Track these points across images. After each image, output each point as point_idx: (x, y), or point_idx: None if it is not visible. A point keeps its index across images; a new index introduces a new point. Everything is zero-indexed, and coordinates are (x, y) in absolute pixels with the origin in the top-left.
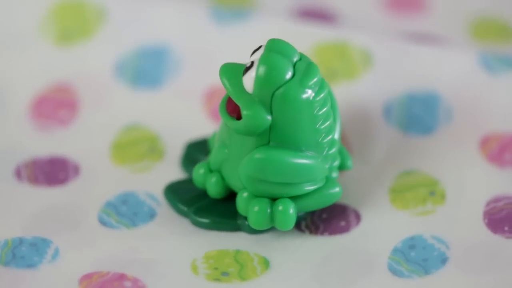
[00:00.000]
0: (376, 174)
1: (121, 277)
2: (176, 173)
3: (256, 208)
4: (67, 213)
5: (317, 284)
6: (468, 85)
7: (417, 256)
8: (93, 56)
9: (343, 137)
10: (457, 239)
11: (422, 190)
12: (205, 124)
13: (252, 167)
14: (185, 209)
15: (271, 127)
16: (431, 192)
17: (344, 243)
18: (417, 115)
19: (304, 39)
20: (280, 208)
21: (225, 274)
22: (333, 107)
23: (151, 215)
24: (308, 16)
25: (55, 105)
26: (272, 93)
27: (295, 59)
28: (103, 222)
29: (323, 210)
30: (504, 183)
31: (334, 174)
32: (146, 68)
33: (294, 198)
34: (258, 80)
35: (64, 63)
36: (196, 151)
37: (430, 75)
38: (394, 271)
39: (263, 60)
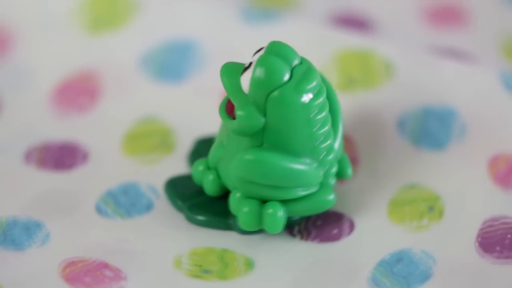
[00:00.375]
0: (380, 185)
1: (104, 266)
2: (182, 168)
3: (245, 209)
4: (66, 198)
5: None
6: (486, 103)
7: (402, 269)
8: (121, 46)
9: (350, 145)
10: (446, 256)
11: (421, 205)
12: (220, 122)
13: (242, 168)
14: (181, 204)
15: (264, 129)
16: (430, 207)
17: (332, 251)
18: (431, 129)
19: (329, 44)
20: (270, 211)
21: (206, 271)
22: (334, 113)
23: (148, 207)
24: (345, 22)
25: (77, 92)
26: (266, 95)
27: (294, 63)
28: (99, 211)
29: (318, 217)
30: (505, 204)
31: (332, 181)
32: (171, 62)
33: (285, 201)
34: (253, 81)
35: (92, 51)
36: (204, 148)
37: (450, 91)
38: (376, 283)
39: (260, 61)
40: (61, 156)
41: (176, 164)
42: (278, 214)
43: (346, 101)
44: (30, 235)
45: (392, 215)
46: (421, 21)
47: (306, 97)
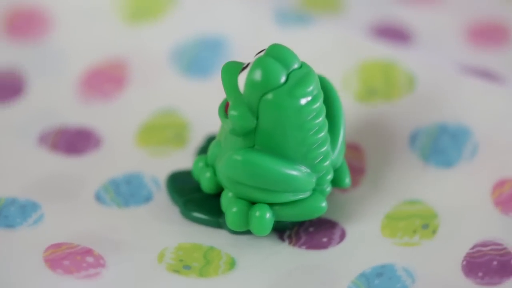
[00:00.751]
0: (380, 197)
1: (87, 252)
2: (191, 163)
3: (234, 209)
4: (69, 183)
5: None
6: (502, 125)
7: (380, 285)
8: (155, 38)
9: (359, 154)
10: (427, 276)
11: (416, 221)
12: None
13: (230, 167)
14: (177, 199)
15: (256, 131)
16: (424, 225)
17: (317, 259)
18: (442, 146)
19: (355, 53)
20: (257, 213)
21: (186, 267)
22: (336, 120)
23: (147, 199)
24: (383, 32)
25: (104, 79)
26: (260, 96)
27: (293, 67)
28: (98, 198)
29: (311, 223)
30: (501, 229)
31: (327, 188)
32: (200, 58)
33: (273, 205)
34: (248, 82)
35: (127, 40)
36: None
37: (468, 109)
38: None
39: (257, 63)
40: (74, 141)
41: (186, 159)
42: (265, 217)
43: (362, 111)
44: (25, 215)
45: (385, 228)
46: (462, 37)
47: (300, 102)
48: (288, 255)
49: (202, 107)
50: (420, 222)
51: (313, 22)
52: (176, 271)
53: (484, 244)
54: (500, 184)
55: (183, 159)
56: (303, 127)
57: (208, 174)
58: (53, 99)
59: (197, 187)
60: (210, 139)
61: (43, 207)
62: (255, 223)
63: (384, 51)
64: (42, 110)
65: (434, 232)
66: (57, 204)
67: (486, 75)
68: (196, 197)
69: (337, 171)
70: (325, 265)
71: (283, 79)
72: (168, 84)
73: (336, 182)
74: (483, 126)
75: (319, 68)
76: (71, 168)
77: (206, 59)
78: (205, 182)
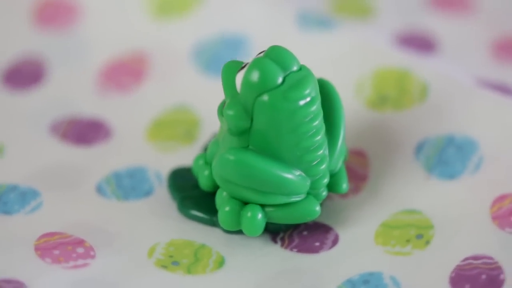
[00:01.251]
0: (379, 205)
1: (79, 242)
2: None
3: (226, 208)
4: (73, 173)
5: None
6: (509, 140)
7: None
8: (178, 34)
9: (364, 160)
10: (413, 286)
11: (411, 231)
12: None
13: (221, 166)
14: (175, 195)
15: (251, 131)
16: (418, 235)
17: (305, 263)
18: (447, 158)
19: (371, 59)
20: (248, 214)
21: (175, 263)
22: (336, 124)
23: (147, 193)
24: (408, 41)
25: (123, 72)
26: (255, 97)
27: (292, 69)
28: (99, 190)
29: (306, 226)
30: (494, 243)
31: (323, 193)
32: (220, 56)
33: (266, 206)
34: (244, 82)
35: (150, 35)
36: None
37: (477, 122)
38: None
39: (253, 63)
40: (85, 132)
41: (192, 156)
42: (256, 218)
43: (371, 118)
44: (23, 202)
45: (378, 236)
46: (487, 50)
47: (295, 104)
48: (278, 257)
49: (216, 106)
50: (415, 232)
51: (334, 26)
52: (164, 266)
53: (475, 257)
54: (500, 199)
55: (190, 156)
56: (297, 130)
57: (206, 172)
58: (71, 89)
59: (196, 185)
60: None
61: (42, 195)
62: (246, 223)
63: (400, 59)
64: (58, 99)
65: (427, 242)
66: (57, 194)
67: (503, 89)
68: (193, 195)
69: (334, 176)
70: (314, 269)
71: (279, 80)
72: (185, 81)
73: (332, 187)
74: (490, 139)
75: (334, 72)
76: (78, 158)
77: (225, 58)
78: (203, 179)
